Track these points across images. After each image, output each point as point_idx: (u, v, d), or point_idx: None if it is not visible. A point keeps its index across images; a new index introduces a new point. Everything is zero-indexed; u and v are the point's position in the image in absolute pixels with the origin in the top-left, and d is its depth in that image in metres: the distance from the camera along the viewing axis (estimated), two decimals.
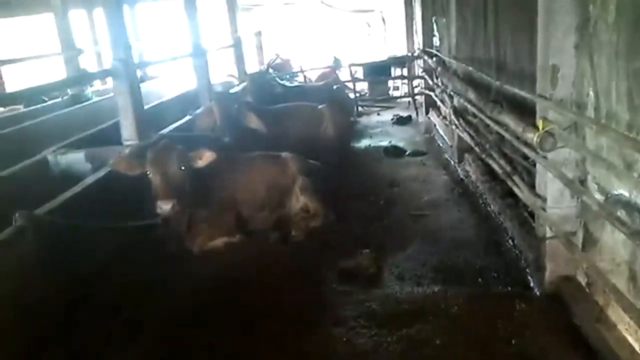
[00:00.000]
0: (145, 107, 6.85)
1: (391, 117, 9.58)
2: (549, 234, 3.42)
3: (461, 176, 6.04)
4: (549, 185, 3.35)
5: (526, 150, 3.54)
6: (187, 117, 6.39)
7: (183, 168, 4.11)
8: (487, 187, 5.22)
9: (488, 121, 4.57)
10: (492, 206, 4.92)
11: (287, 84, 9.61)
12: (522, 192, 3.80)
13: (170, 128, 5.89)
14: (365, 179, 6.08)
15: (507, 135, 3.96)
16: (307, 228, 4.62)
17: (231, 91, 8.55)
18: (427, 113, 9.22)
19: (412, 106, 9.90)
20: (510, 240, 4.27)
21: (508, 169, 4.27)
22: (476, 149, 5.35)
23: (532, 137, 3.21)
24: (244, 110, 5.94)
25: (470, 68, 5.33)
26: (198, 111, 6.52)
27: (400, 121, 9.26)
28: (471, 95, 5.07)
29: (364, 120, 9.75)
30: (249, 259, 4.24)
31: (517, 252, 4.06)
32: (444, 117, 7.81)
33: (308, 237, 4.53)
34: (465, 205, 5.17)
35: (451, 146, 6.98)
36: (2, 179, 4.50)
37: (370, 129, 8.93)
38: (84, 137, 5.65)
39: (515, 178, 4.04)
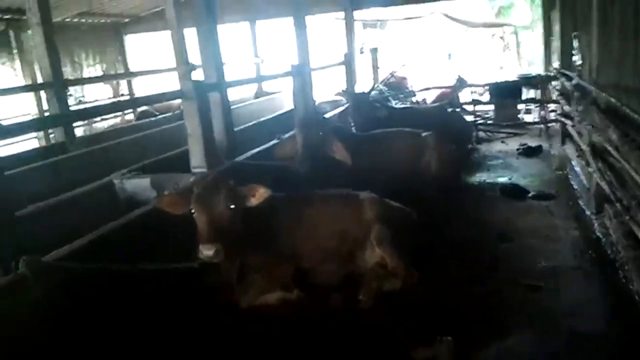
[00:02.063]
0: (238, 128, 6.59)
1: (517, 146, 8.22)
2: None
3: (598, 234, 4.70)
4: None
5: None
6: (273, 142, 5.82)
7: (232, 207, 3.46)
8: (632, 256, 3.90)
9: (634, 174, 3.33)
10: (635, 286, 3.62)
11: (396, 105, 8.74)
12: None
13: (248, 155, 5.33)
14: (470, 227, 4.98)
15: None
16: (379, 291, 3.73)
17: (333, 112, 7.92)
18: (562, 144, 7.77)
19: (545, 135, 8.44)
20: None
21: None
22: (617, 205, 4.05)
23: None
24: (329, 137, 5.20)
25: (613, 100, 4.05)
26: (286, 136, 5.92)
27: (528, 152, 7.88)
28: (613, 135, 3.81)
29: (483, 148, 8.50)
30: (298, 323, 3.47)
31: None
32: (581, 151, 6.40)
33: (378, 304, 3.63)
34: (599, 278, 3.89)
35: (588, 189, 5.60)
36: (66, 202, 4.24)
37: (489, 160, 7.69)
38: (160, 159, 5.33)
39: None
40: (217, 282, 3.69)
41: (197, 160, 4.64)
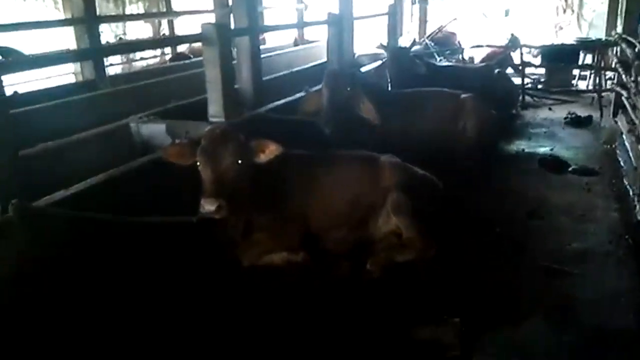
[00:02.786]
0: (267, 77, 6.33)
1: (565, 115, 7.65)
2: None
3: (639, 217, 4.30)
4: None
5: None
6: (300, 94, 5.54)
7: (240, 162, 3.28)
8: None
9: None
10: None
11: (440, 62, 8.25)
12: None
13: (271, 107, 5.09)
14: (500, 201, 4.65)
15: None
16: (389, 262, 3.52)
17: (369, 66, 7.53)
18: (614, 115, 7.19)
19: (597, 105, 7.82)
20: None
21: None
22: None
23: None
24: (358, 93, 4.89)
25: None
26: (313, 89, 5.62)
27: (576, 122, 7.32)
28: None
29: (528, 114, 7.96)
30: (299, 287, 3.33)
31: None
32: (634, 126, 5.86)
33: (386, 276, 3.43)
34: (632, 268, 3.56)
35: (635, 168, 5.14)
36: (78, 143, 4.16)
37: (532, 128, 7.19)
38: (183, 105, 5.17)
39: None
40: (221, 238, 3.56)
41: (215, 109, 4.45)
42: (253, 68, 5.72)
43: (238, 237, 3.56)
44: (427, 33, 10.68)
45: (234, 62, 5.84)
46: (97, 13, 7.16)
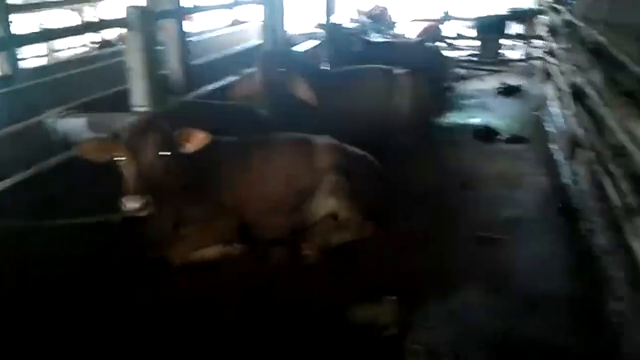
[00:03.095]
0: (196, 61, 6.11)
1: (496, 84, 7.83)
2: None
3: (567, 181, 4.45)
4: None
5: None
6: (233, 78, 5.37)
7: (165, 154, 3.13)
8: (599, 207, 3.66)
9: (613, 123, 3.03)
10: (599, 240, 3.41)
11: (374, 39, 8.21)
12: None
13: (202, 92, 4.91)
14: (436, 175, 4.70)
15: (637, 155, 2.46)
16: (326, 245, 3.48)
17: (305, 46, 7.40)
18: (542, 83, 7.41)
19: (526, 73, 8.04)
20: (614, 306, 2.81)
21: (631, 201, 2.75)
22: (590, 155, 3.78)
23: None
24: (293, 74, 4.78)
25: (602, 39, 3.66)
26: (248, 71, 5.46)
27: (507, 91, 7.51)
28: (597, 78, 3.46)
29: (462, 86, 8.07)
30: (234, 282, 3.25)
31: (622, 335, 2.61)
32: (560, 92, 6.05)
33: (325, 259, 3.40)
34: (562, 231, 3.68)
35: (562, 133, 5.31)
36: None
37: (465, 99, 7.31)
38: (107, 96, 4.90)
39: (638, 221, 2.55)
40: (149, 236, 3.41)
41: (138, 98, 4.24)
42: (181, 52, 5.50)
43: (167, 233, 3.43)
44: (361, 9, 10.59)
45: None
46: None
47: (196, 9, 6.66)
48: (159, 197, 3.07)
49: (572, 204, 4.04)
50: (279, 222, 3.60)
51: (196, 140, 3.24)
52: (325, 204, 3.66)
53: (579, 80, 4.51)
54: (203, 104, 4.56)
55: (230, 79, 5.34)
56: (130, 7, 4.11)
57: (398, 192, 4.26)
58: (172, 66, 5.52)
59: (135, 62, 4.17)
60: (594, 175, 3.99)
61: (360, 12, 10.16)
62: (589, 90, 3.82)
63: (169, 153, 3.12)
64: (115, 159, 3.09)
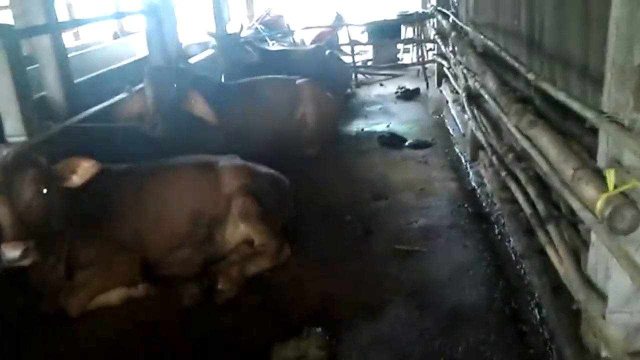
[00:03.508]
0: (79, 79, 5.55)
1: (396, 89, 7.97)
2: (605, 352, 2.01)
3: (473, 184, 4.55)
4: (614, 277, 1.90)
5: (575, 206, 2.05)
6: (121, 96, 4.91)
7: (45, 191, 2.71)
8: (507, 210, 3.74)
9: (510, 126, 3.06)
10: (512, 244, 3.47)
11: (271, 47, 8.04)
12: (562, 265, 2.34)
13: (86, 114, 4.42)
14: (346, 187, 4.60)
15: (542, 164, 2.47)
16: (242, 276, 3.22)
17: (198, 57, 7.05)
18: (439, 85, 7.65)
19: (423, 76, 8.27)
20: (536, 312, 2.84)
21: (540, 207, 2.79)
22: (492, 158, 3.85)
23: (591, 196, 1.75)
24: (186, 90, 4.46)
25: (490, 43, 3.74)
26: (136, 88, 5.02)
27: (406, 95, 7.67)
28: (490, 83, 3.52)
29: (362, 92, 8.17)
30: (142, 329, 2.91)
31: (547, 341, 2.63)
32: (457, 95, 6.25)
33: (241, 293, 3.14)
34: (475, 236, 3.71)
35: (463, 135, 5.46)
36: None
37: (367, 106, 7.36)
38: None
39: (551, 229, 2.58)
40: (37, 286, 2.97)
41: (12, 127, 3.71)
42: (60, 70, 4.95)
43: (60, 281, 3.00)
44: (255, 17, 10.39)
45: (36, 66, 5.05)
46: None
47: (69, 23, 6.06)
48: (44, 240, 2.68)
49: (480, 208, 4.11)
50: (187, 257, 3.29)
51: (83, 170, 2.87)
52: (237, 231, 3.42)
53: (472, 83, 4.62)
54: (88, 128, 4.08)
55: (118, 97, 4.89)
56: None
57: (309, 208, 4.12)
58: (51, 86, 4.97)
59: (2, 87, 3.64)
60: (498, 178, 4.10)
61: (254, 20, 9.96)
62: (484, 94, 3.90)
63: (46, 190, 2.71)
64: None
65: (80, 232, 3.01)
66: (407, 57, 10.08)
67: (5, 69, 3.60)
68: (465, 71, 4.61)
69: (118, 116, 4.42)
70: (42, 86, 4.96)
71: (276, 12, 10.64)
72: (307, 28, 10.06)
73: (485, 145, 4.14)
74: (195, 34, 9.22)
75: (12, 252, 2.52)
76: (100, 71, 5.97)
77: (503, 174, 3.61)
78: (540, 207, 2.81)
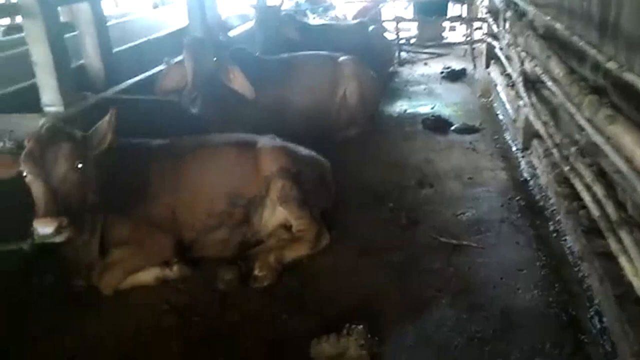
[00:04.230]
0: (118, 49, 5.44)
1: (441, 69, 7.62)
2: None
3: (525, 175, 4.26)
4: None
5: None
6: (159, 68, 4.77)
7: (80, 165, 2.60)
8: (564, 207, 3.47)
9: (580, 118, 2.78)
10: (570, 243, 3.21)
11: (311, 22, 7.76)
12: (638, 278, 2.09)
13: (123, 86, 4.29)
14: (389, 172, 4.37)
15: (621, 164, 2.21)
16: (279, 262, 3.07)
17: (238, 30, 6.84)
18: (487, 66, 7.25)
19: (470, 56, 7.88)
20: (596, 321, 2.60)
21: (610, 210, 2.52)
22: (553, 150, 3.57)
23: None
24: (226, 63, 4.28)
25: (559, 26, 3.41)
26: (176, 60, 4.86)
27: (452, 76, 7.31)
28: (557, 69, 3.21)
29: (405, 71, 7.83)
30: (173, 313, 2.81)
31: (609, 355, 2.40)
32: (509, 78, 5.90)
33: (278, 281, 3.00)
34: (528, 232, 3.45)
35: (514, 121, 5.14)
36: None
37: (410, 86, 7.05)
38: (13, 92, 4.17)
39: (624, 235, 2.32)
40: (71, 263, 2.89)
41: (49, 97, 3.60)
42: (100, 39, 4.83)
43: (93, 259, 2.91)
44: None
45: (76, 33, 4.95)
46: None
47: None
48: (77, 217, 2.57)
49: (533, 201, 3.84)
50: (222, 238, 3.15)
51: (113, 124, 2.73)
52: (274, 215, 3.26)
53: (530, 67, 4.29)
54: (126, 101, 3.95)
55: (156, 69, 4.75)
56: None
57: (349, 193, 3.93)
58: (90, 55, 4.87)
59: (39, 56, 3.53)
60: (555, 171, 3.81)
61: None
62: (546, 81, 3.59)
63: (81, 165, 2.59)
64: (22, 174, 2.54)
65: (115, 209, 2.90)
66: (453, 35, 9.65)
67: (42, 37, 3.48)
68: (523, 54, 4.27)
69: (156, 89, 4.27)
70: (80, 54, 4.89)
71: None
72: (349, 2, 9.70)
73: (543, 134, 3.85)
74: (235, 5, 9.00)
75: (45, 228, 2.42)
76: (140, 41, 5.84)
77: (564, 167, 3.33)
78: (609, 209, 2.55)
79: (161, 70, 4.47)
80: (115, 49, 5.27)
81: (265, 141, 3.38)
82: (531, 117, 4.14)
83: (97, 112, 3.72)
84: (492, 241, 3.36)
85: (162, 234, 3.00)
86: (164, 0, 9.98)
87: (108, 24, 6.85)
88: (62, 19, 7.22)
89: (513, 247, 3.30)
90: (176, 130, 3.97)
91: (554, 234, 3.43)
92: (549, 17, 3.63)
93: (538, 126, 3.92)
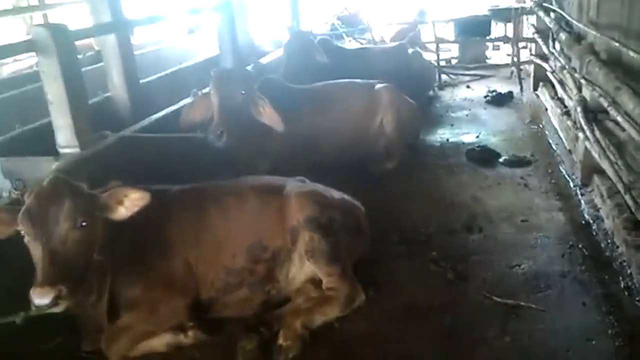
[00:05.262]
0: (146, 79, 5.26)
1: (485, 92, 7.16)
2: None
3: (587, 217, 3.77)
4: None
5: None
6: (186, 100, 4.52)
7: (84, 224, 2.32)
8: (636, 260, 2.98)
9: None
10: None
11: (347, 46, 7.47)
12: None
13: (146, 123, 4.04)
14: (431, 213, 3.95)
15: None
16: (307, 327, 2.70)
17: (269, 58, 6.58)
18: (534, 89, 6.77)
19: (516, 78, 7.40)
20: None
21: None
22: (621, 190, 3.10)
23: None
24: (255, 96, 3.99)
25: (635, 54, 2.95)
26: (204, 91, 4.60)
27: (497, 100, 6.83)
28: (629, 103, 2.75)
29: (447, 95, 7.40)
30: None
31: None
32: (561, 103, 5.41)
33: (307, 350, 2.62)
34: (595, 290, 2.97)
35: (569, 152, 4.66)
36: None
37: (452, 111, 6.61)
38: (27, 131, 3.94)
39: None
40: (79, 325, 2.61)
41: (64, 137, 3.39)
42: (126, 71, 4.68)
43: (101, 319, 2.62)
44: (332, 12, 9.85)
45: (101, 64, 4.79)
46: None
47: (137, 21, 5.76)
48: (81, 280, 2.29)
49: (599, 250, 3.35)
50: (244, 297, 2.81)
51: (131, 201, 2.45)
52: (302, 270, 2.91)
53: (591, 96, 3.83)
54: (147, 139, 3.71)
55: (183, 101, 4.51)
56: (39, 26, 3.29)
57: (387, 238, 3.54)
58: (116, 87, 4.70)
59: (54, 94, 3.32)
60: (624, 215, 3.33)
61: (331, 16, 9.42)
62: (614, 115, 3.13)
63: (85, 223, 2.30)
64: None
65: (124, 266, 2.60)
66: (497, 55, 9.18)
67: (57, 74, 3.27)
68: (583, 81, 3.81)
69: (181, 123, 4.02)
70: (109, 86, 4.73)
71: (354, 7, 10.03)
72: (387, 24, 9.37)
73: (609, 173, 3.38)
74: (270, 30, 8.79)
75: (42, 299, 2.13)
76: (169, 71, 5.65)
77: (635, 212, 2.87)
78: None
79: (187, 104, 4.22)
80: (144, 80, 5.10)
81: (292, 185, 3.04)
82: (594, 154, 3.67)
83: (116, 152, 3.53)
84: (554, 301, 2.90)
85: (176, 295, 2.69)
86: (199, 25, 9.91)
87: (141, 51, 6.76)
88: (95, 47, 7.21)
89: (579, 309, 2.83)
90: (201, 167, 3.70)
91: (626, 293, 2.94)
92: (618, 44, 3.17)
93: (604, 165, 3.45)
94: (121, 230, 2.54)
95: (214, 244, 2.80)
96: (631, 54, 2.92)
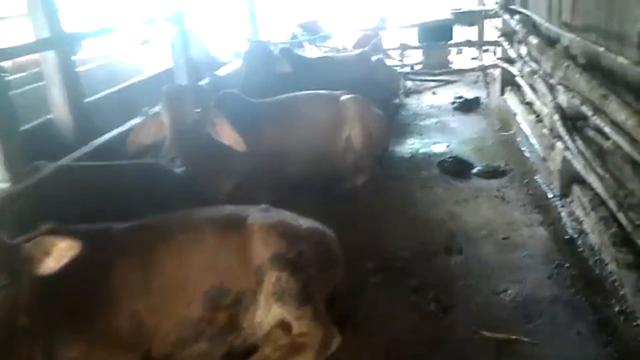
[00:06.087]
0: (92, 98, 4.83)
1: (451, 98, 6.98)
2: None
3: (570, 231, 3.56)
4: None
5: None
6: (135, 121, 4.13)
7: (3, 283, 1.93)
8: (631, 281, 2.77)
9: None
10: None
11: (309, 55, 7.18)
12: None
13: (88, 148, 3.64)
14: (405, 230, 3.70)
15: None
16: None
17: (226, 70, 6.23)
18: (502, 93, 6.62)
19: (482, 83, 7.25)
20: None
21: None
22: (610, 204, 2.89)
23: None
24: (210, 115, 3.64)
25: (623, 60, 2.74)
26: (154, 110, 4.20)
27: (464, 106, 6.65)
28: (622, 115, 2.52)
29: (413, 102, 7.18)
30: None
31: None
32: (530, 107, 5.24)
33: None
34: (589, 316, 2.74)
35: (544, 159, 4.47)
36: None
37: (420, 119, 6.39)
38: None
39: None
40: None
41: None
42: (67, 90, 4.24)
43: None
44: (295, 21, 9.55)
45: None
46: None
47: (81, 35, 5.32)
48: (4, 349, 1.91)
49: (587, 269, 3.14)
50: (202, 352, 2.45)
51: (59, 252, 2.06)
52: (270, 313, 2.57)
53: (567, 100, 3.65)
54: (88, 168, 3.30)
55: (132, 122, 4.12)
56: None
57: (361, 265, 3.25)
58: (57, 108, 4.26)
59: None
60: (610, 230, 3.12)
61: (292, 24, 9.13)
62: (602, 126, 2.92)
63: (6, 281, 1.93)
64: None
65: (60, 326, 2.22)
66: (460, 59, 9.05)
67: None
68: (560, 87, 3.61)
69: (128, 147, 3.63)
70: (49, 107, 4.30)
71: (314, 15, 9.77)
72: (348, 31, 9.13)
73: (596, 187, 3.18)
74: (229, 41, 8.41)
75: None
76: (118, 87, 5.22)
77: (627, 227, 2.66)
78: None
79: (136, 124, 3.83)
80: (90, 98, 4.68)
81: (255, 217, 2.70)
82: (577, 165, 3.47)
83: (53, 184, 3.12)
84: (546, 332, 2.65)
85: (124, 355, 2.31)
86: (154, 37, 9.43)
87: (89, 66, 6.27)
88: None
89: (574, 340, 2.59)
90: (153, 198, 3.33)
91: (622, 317, 2.72)
92: (602, 49, 2.96)
93: (590, 178, 3.25)
94: (53, 283, 2.16)
95: (165, 291, 2.43)
96: (619, 60, 2.70)
